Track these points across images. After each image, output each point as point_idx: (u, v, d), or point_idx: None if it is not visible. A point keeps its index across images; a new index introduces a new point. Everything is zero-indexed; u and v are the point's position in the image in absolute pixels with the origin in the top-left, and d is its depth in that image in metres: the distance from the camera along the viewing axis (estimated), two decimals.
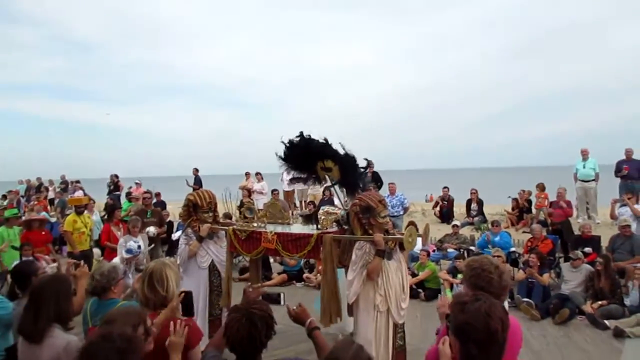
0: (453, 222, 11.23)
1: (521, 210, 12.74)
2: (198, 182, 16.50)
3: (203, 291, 5.37)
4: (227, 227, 5.53)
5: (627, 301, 7.03)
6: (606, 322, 6.65)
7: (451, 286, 8.32)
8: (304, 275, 9.43)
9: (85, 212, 9.46)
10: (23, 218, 9.50)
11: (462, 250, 9.76)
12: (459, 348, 1.97)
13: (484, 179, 42.68)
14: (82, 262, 3.91)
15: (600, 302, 7.03)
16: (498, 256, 7.93)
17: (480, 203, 13.35)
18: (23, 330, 2.86)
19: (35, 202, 14.91)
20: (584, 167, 12.20)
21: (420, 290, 8.38)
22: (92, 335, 2.14)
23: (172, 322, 2.52)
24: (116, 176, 17.56)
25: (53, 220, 12.88)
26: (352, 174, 5.20)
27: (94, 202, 12.45)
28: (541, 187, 12.46)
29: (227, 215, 7.47)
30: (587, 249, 8.39)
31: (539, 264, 7.86)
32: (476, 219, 12.93)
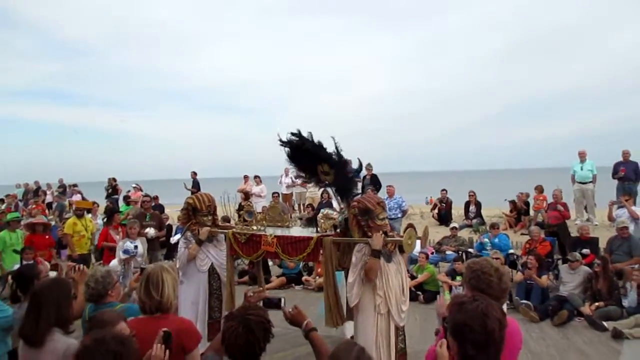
0: (451, 225, 11.26)
1: (519, 212, 12.77)
2: (196, 185, 16.50)
3: (202, 294, 5.38)
4: (226, 231, 5.54)
5: (625, 302, 7.05)
6: (605, 323, 6.67)
7: (450, 288, 8.34)
8: (303, 278, 9.45)
9: (89, 215, 9.46)
10: (22, 222, 9.49)
11: (460, 252, 9.77)
12: (456, 349, 1.99)
13: (482, 181, 42.74)
14: (82, 265, 3.91)
15: (597, 304, 7.06)
16: (496, 258, 7.96)
17: (478, 205, 13.39)
18: (24, 334, 2.86)
19: (33, 206, 14.88)
20: (581, 169, 12.23)
21: (419, 292, 8.39)
22: (86, 339, 2.15)
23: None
24: (114, 179, 17.53)
25: (52, 223, 12.86)
26: (343, 178, 5.22)
27: (98, 206, 12.47)
28: (539, 189, 12.50)
29: (226, 219, 7.48)
30: (585, 251, 8.41)
31: (537, 265, 7.89)
32: (474, 221, 12.96)
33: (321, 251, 4.74)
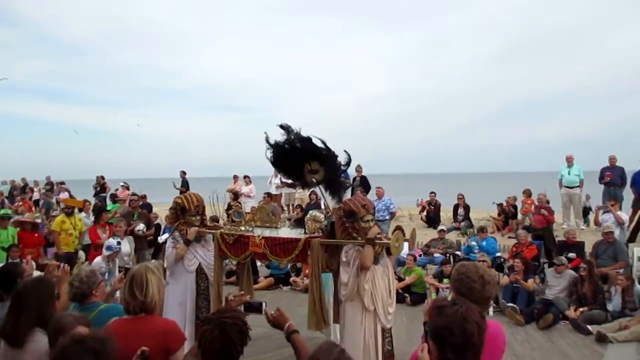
0: (439, 227, 11.30)
1: (507, 215, 12.86)
2: (185, 184, 16.43)
3: (190, 295, 5.35)
4: (214, 231, 5.52)
5: (610, 306, 7.13)
6: (589, 327, 6.75)
7: (437, 291, 8.36)
8: (291, 279, 9.44)
9: (82, 214, 9.40)
10: (11, 220, 9.41)
11: (448, 255, 9.81)
12: (436, 352, 2.00)
13: (472, 184, 42.94)
14: (64, 264, 3.88)
15: (581, 309, 7.13)
16: (483, 261, 8.03)
17: (467, 208, 13.47)
18: (4, 334, 2.84)
19: (20, 203, 14.74)
20: (569, 174, 12.35)
21: (406, 294, 8.42)
22: (64, 340, 2.13)
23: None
24: (102, 177, 17.41)
25: (38, 221, 12.74)
26: (334, 172, 5.21)
27: (90, 204, 12.36)
28: (527, 193, 12.60)
29: (214, 219, 7.45)
30: (571, 255, 8.49)
31: (523, 269, 7.95)
32: (462, 224, 13.03)
33: (309, 252, 4.74)
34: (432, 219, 13.79)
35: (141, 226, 9.15)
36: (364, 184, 12.98)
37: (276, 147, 5.32)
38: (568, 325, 7.07)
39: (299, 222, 5.56)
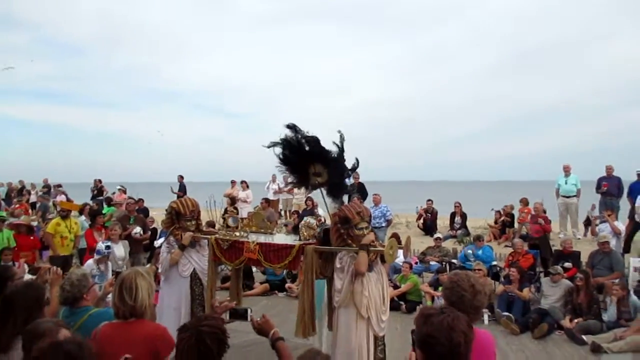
0: (436, 235, 11.28)
1: (504, 224, 12.86)
2: (183, 189, 16.44)
3: (185, 300, 5.34)
4: (209, 236, 5.51)
5: (605, 317, 7.10)
6: (584, 337, 6.71)
7: (432, 299, 8.35)
8: (287, 285, 9.41)
9: (82, 217, 9.38)
10: (5, 222, 9.39)
11: (444, 263, 9.80)
12: None
13: (469, 192, 42.99)
14: (55, 267, 3.86)
15: (577, 319, 7.12)
16: (479, 269, 8.00)
17: (463, 216, 13.46)
18: None
19: (17, 206, 14.72)
20: (565, 183, 12.35)
21: (401, 302, 8.39)
22: (41, 344, 2.12)
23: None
24: (100, 181, 17.43)
25: (34, 224, 12.72)
26: (338, 176, 5.18)
27: (90, 207, 12.32)
28: (524, 202, 12.59)
29: (211, 224, 7.45)
30: (567, 264, 8.48)
31: (519, 278, 7.94)
32: (459, 232, 13.02)
33: (302, 259, 4.73)
34: (429, 227, 13.78)
35: (138, 229, 9.15)
36: (361, 190, 12.97)
37: (285, 144, 5.28)
38: (563, 335, 7.04)
39: (295, 229, 5.55)
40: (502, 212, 13.09)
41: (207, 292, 5.37)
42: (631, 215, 10.95)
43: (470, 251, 9.72)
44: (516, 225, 12.58)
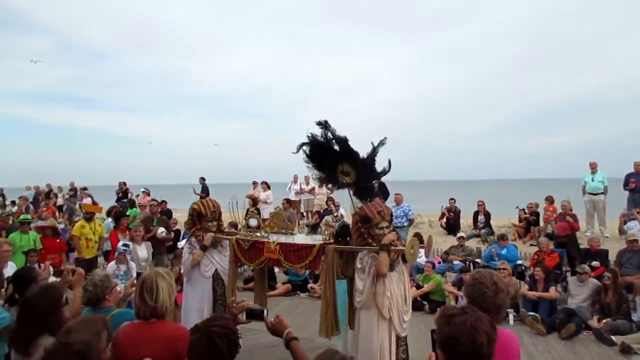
0: (459, 234, 11.15)
1: (529, 222, 12.66)
2: (205, 190, 16.57)
3: (207, 301, 5.37)
4: (231, 237, 5.54)
5: (635, 316, 6.94)
6: (613, 337, 6.56)
7: (456, 299, 8.25)
8: (309, 286, 9.40)
9: (109, 219, 9.53)
10: (32, 225, 9.58)
11: (467, 262, 9.69)
12: None
13: (492, 191, 42.48)
14: (78, 268, 3.91)
15: (605, 319, 6.96)
16: (504, 269, 7.88)
17: (487, 215, 13.30)
18: (14, 341, 2.87)
19: (44, 209, 15.03)
20: (592, 180, 12.12)
21: (424, 302, 8.32)
22: (50, 345, 2.13)
23: None
24: (124, 183, 17.69)
25: (61, 226, 12.96)
26: (366, 179, 5.13)
27: (115, 209, 12.48)
28: (550, 200, 12.39)
29: (233, 225, 7.49)
30: (595, 263, 8.30)
31: (544, 277, 7.80)
32: (483, 231, 12.88)
33: (323, 259, 4.71)
34: (452, 226, 13.65)
35: (162, 229, 9.26)
36: (382, 190, 12.91)
37: (313, 140, 5.26)
38: (591, 336, 6.89)
39: (315, 229, 5.53)
40: (526, 211, 12.89)
41: (228, 292, 5.39)
42: None
43: (497, 250, 9.57)
44: (541, 223, 12.38)
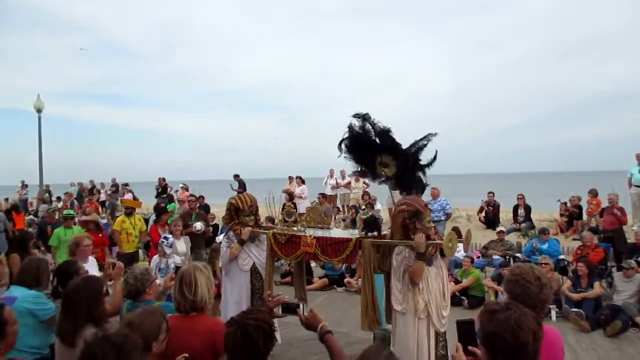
0: (498, 228, 10.92)
1: (571, 216, 12.29)
2: (242, 185, 16.75)
3: (245, 294, 5.43)
4: (268, 231, 5.57)
5: None
6: None
7: (496, 294, 8.11)
8: (345, 280, 9.40)
9: (154, 216, 9.74)
10: (76, 219, 9.86)
11: (507, 257, 9.48)
12: (487, 358, 1.90)
13: (532, 184, 41.50)
14: (118, 261, 4.01)
15: None
16: (546, 263, 7.69)
17: (527, 209, 12.98)
18: (60, 332, 2.97)
19: (87, 204, 15.49)
20: (639, 172, 11.68)
21: (463, 297, 8.20)
22: (90, 336, 2.18)
23: None
24: (164, 179, 18.04)
25: (104, 221, 13.32)
26: (410, 170, 5.05)
27: (158, 204, 12.69)
28: (593, 193, 12.01)
29: (270, 219, 7.55)
30: None
31: (587, 272, 7.56)
32: (523, 225, 12.58)
33: (360, 253, 4.69)
34: (491, 220, 13.38)
35: (198, 224, 9.39)
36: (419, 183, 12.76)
37: (351, 133, 5.23)
38: (638, 333, 6.67)
39: (353, 223, 5.51)
40: (568, 204, 12.52)
41: (264, 287, 5.43)
42: None
43: (539, 244, 9.34)
44: (585, 217, 12.01)
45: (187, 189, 15.66)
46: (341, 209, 15.61)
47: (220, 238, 9.81)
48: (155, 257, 6.94)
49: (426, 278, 4.23)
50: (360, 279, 8.68)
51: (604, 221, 10.21)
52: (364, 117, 5.07)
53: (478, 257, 9.74)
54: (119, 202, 16.25)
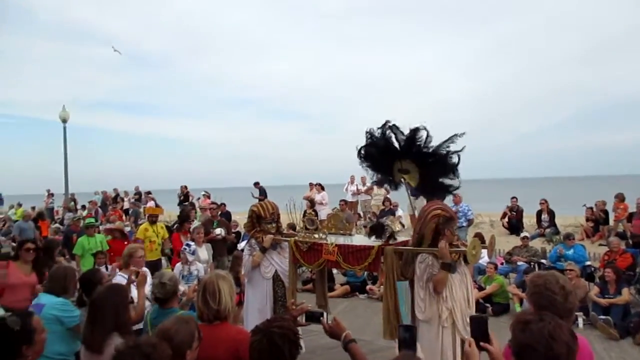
0: (523, 234, 10.76)
1: (597, 221, 12.06)
2: (263, 193, 16.83)
3: (268, 301, 5.44)
4: (289, 238, 5.57)
5: None
6: None
7: (521, 301, 7.97)
8: (367, 287, 9.35)
9: (162, 222, 9.84)
10: (101, 227, 10.00)
11: (532, 263, 9.33)
12: None
13: (557, 188, 40.85)
14: (142, 269, 4.05)
15: None
16: (571, 270, 7.55)
17: (551, 214, 12.77)
18: (85, 340, 3.01)
19: (112, 212, 15.71)
20: None
21: (487, 304, 8.09)
22: (120, 345, 2.21)
23: None
24: (185, 187, 18.23)
25: (127, 229, 13.48)
26: (436, 175, 4.98)
27: (195, 212, 12.78)
28: (620, 198, 11.77)
29: (291, 226, 7.54)
30: None
31: (615, 279, 7.39)
32: (548, 230, 12.38)
33: (382, 260, 4.65)
34: (514, 226, 13.21)
35: (219, 230, 9.44)
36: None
37: (370, 140, 5.18)
38: None
39: (372, 230, 5.45)
40: (594, 209, 12.28)
41: (288, 294, 5.42)
42: None
43: (564, 250, 9.16)
44: (611, 222, 11.76)
45: (208, 197, 15.79)
46: (362, 215, 15.57)
47: (242, 245, 9.85)
48: (178, 265, 7.00)
49: (450, 286, 4.18)
50: (382, 286, 8.67)
51: (632, 226, 9.99)
52: (384, 125, 5.04)
53: (502, 264, 9.61)
54: (142, 210, 16.46)
